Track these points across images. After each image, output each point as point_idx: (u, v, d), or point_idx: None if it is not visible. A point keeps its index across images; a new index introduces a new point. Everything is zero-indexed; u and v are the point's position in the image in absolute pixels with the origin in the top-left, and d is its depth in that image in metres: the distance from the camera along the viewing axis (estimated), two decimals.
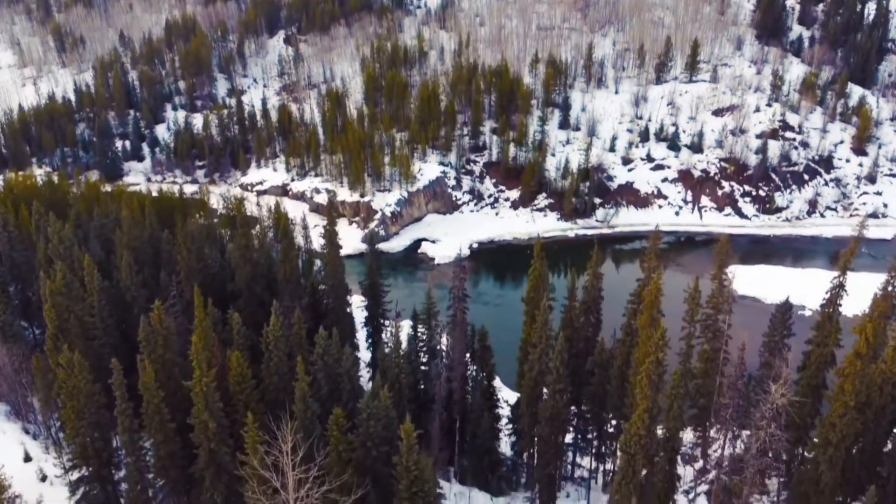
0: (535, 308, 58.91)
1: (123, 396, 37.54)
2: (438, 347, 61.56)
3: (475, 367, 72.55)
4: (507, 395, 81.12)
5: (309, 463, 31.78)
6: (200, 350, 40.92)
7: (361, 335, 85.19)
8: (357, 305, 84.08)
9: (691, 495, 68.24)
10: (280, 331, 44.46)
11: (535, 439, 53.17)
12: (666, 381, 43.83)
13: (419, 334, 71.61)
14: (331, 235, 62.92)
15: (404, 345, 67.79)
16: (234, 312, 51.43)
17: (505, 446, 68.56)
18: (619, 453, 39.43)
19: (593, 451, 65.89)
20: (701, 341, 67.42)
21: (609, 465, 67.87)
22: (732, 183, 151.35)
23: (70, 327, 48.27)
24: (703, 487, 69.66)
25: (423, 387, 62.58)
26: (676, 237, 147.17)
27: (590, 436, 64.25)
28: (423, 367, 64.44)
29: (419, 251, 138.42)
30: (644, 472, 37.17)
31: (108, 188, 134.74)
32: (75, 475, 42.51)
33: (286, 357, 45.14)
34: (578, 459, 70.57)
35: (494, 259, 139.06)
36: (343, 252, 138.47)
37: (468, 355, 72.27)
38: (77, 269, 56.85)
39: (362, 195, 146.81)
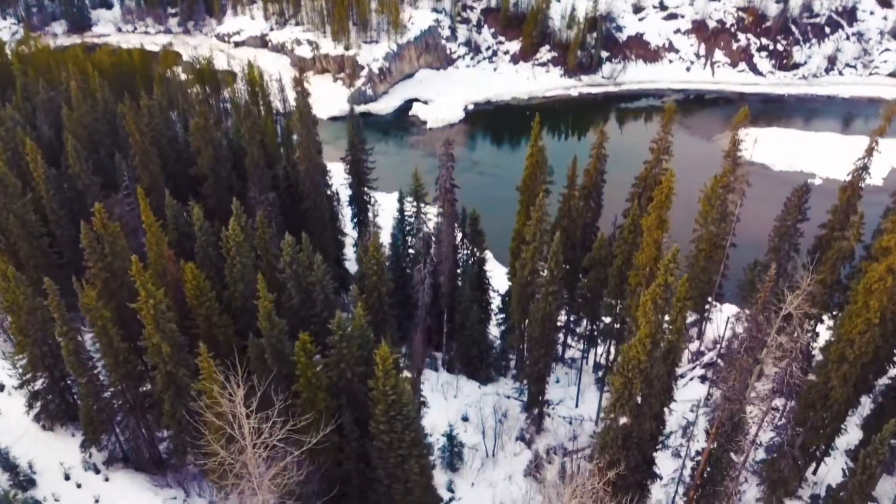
0: (531, 198, 53.68)
1: (63, 317, 33.41)
2: (424, 235, 56.80)
3: (467, 252, 68.84)
4: (500, 275, 77.98)
5: (272, 401, 28.36)
6: (155, 262, 36.36)
7: (349, 213, 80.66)
8: (343, 181, 78.45)
9: (685, 379, 67.05)
10: (241, 235, 39.49)
11: (525, 336, 50.16)
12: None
13: (406, 220, 66.94)
14: (303, 110, 55.82)
15: (387, 238, 63.49)
16: (196, 205, 46.16)
17: (495, 330, 66.25)
18: (614, 372, 36.09)
19: (586, 334, 63.54)
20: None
21: (600, 350, 65.96)
22: (749, 35, 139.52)
23: (9, 227, 43.25)
24: (699, 371, 68.34)
25: (406, 288, 58.95)
26: (686, 95, 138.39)
27: (582, 323, 61.61)
28: (409, 261, 60.31)
29: (410, 113, 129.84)
30: (640, 395, 34.01)
31: (74, 41, 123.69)
32: (32, 387, 39.58)
33: (252, 264, 40.65)
34: (570, 341, 68.63)
35: (491, 122, 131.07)
36: (327, 114, 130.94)
37: (459, 237, 68.28)
38: (22, 156, 50.77)
39: (347, 48, 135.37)
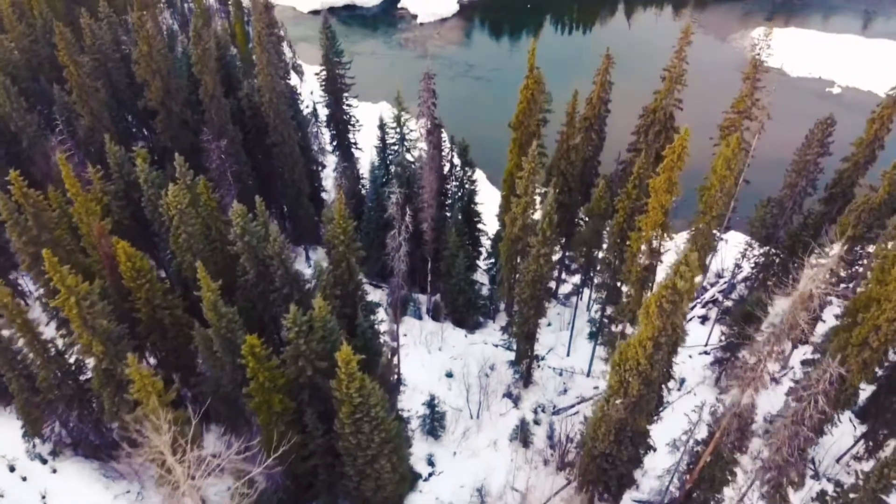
0: (526, 137, 47.70)
1: None
2: (398, 199, 51.03)
3: (455, 184, 63.31)
4: (495, 199, 72.34)
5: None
6: (87, 235, 31.20)
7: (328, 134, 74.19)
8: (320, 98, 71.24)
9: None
10: (185, 198, 34.11)
11: (514, 293, 45.94)
12: None
13: (388, 148, 60.92)
14: (261, 30, 48.15)
15: (366, 170, 57.61)
16: (140, 152, 40.43)
17: (484, 276, 62.05)
18: (609, 367, 32.20)
19: (581, 274, 59.47)
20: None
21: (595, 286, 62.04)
22: None
23: None
24: (699, 311, 64.94)
25: (388, 220, 53.73)
26: None
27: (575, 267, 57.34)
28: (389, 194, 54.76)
29: (399, 6, 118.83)
30: (637, 393, 30.28)
31: None
32: None
33: (202, 232, 35.57)
34: (564, 276, 64.53)
35: (489, 15, 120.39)
36: (308, 6, 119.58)
37: (447, 167, 62.65)
38: None
39: None
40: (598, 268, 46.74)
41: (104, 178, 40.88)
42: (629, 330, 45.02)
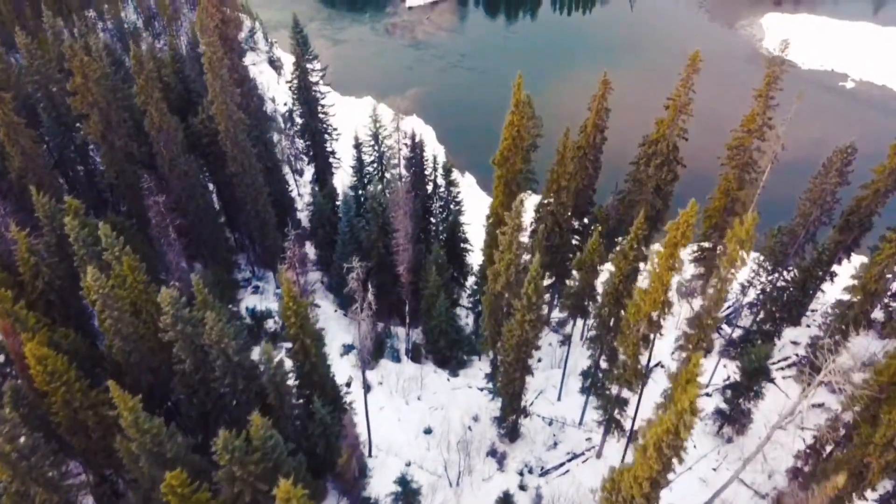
0: (511, 174, 42.54)
1: None
2: (357, 273, 46.23)
3: (440, 204, 58.35)
4: (482, 206, 67.38)
5: None
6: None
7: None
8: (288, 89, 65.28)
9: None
10: (108, 283, 29.17)
11: (499, 349, 41.39)
12: None
13: (364, 169, 55.82)
14: (213, 55, 42.13)
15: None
16: (72, 202, 35.52)
17: (468, 313, 57.17)
18: (599, 493, 27.75)
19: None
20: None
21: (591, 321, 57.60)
22: None
23: None
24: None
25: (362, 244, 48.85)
26: None
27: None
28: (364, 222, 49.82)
29: None
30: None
31: None
32: None
33: (133, 316, 30.79)
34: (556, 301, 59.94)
35: None
36: None
37: (431, 187, 57.72)
38: None
39: None
40: (592, 322, 42.16)
41: (32, 231, 36.00)
42: (625, 394, 40.72)
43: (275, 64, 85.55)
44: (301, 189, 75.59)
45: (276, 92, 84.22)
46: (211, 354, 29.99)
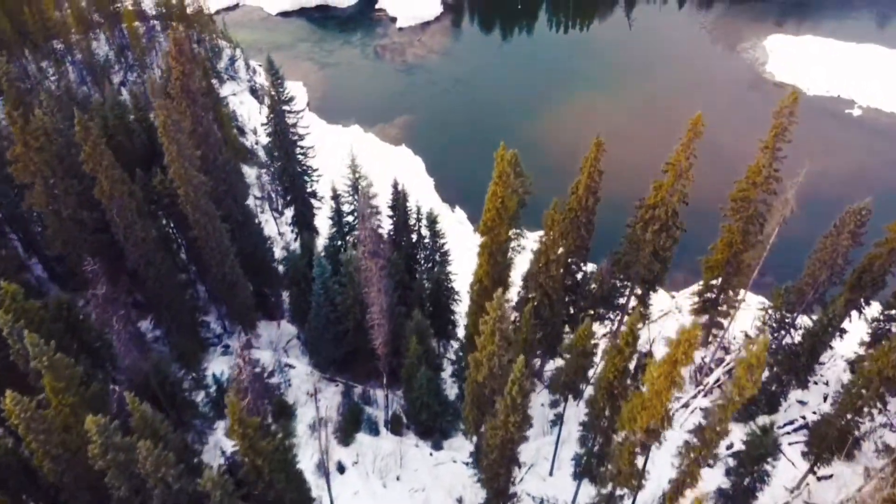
0: (496, 244, 38.96)
1: None
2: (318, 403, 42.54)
3: (424, 252, 54.83)
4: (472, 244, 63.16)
5: None
6: None
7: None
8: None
9: (685, 412, 56.32)
10: (31, 406, 25.56)
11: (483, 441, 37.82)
12: None
13: (342, 223, 52.25)
14: (167, 118, 37.85)
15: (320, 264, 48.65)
16: (10, 288, 31.92)
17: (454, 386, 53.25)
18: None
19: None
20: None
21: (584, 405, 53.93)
22: None
23: None
24: (702, 402, 57.02)
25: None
26: None
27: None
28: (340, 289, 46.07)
29: (377, 6, 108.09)
30: None
31: None
32: None
33: (61, 437, 27.15)
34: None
35: (477, 16, 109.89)
36: (277, 8, 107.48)
37: (415, 237, 54.27)
38: None
39: None
40: (584, 408, 38.62)
41: None
42: (618, 492, 37.14)
43: (257, 93, 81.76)
44: (282, 227, 72.04)
45: (259, 122, 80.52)
46: (148, 482, 26.38)
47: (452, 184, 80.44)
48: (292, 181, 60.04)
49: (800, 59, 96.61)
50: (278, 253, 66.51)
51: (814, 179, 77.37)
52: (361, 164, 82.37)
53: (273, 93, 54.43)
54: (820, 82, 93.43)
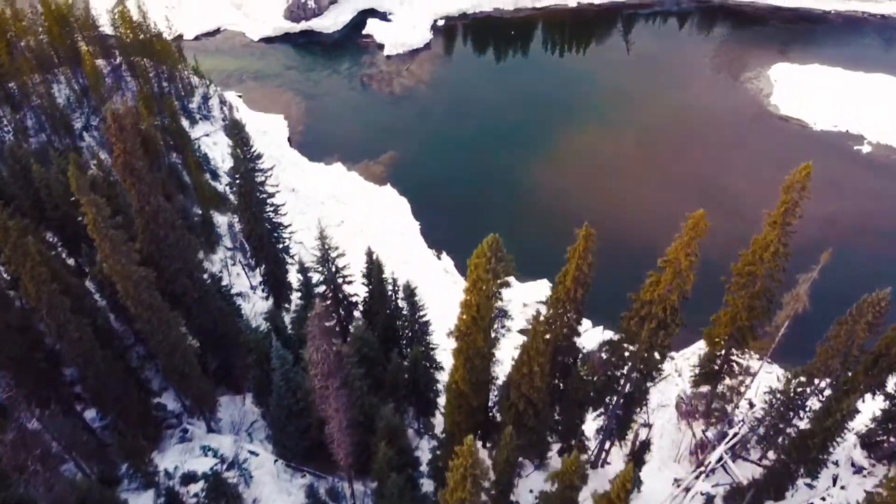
0: (472, 349, 34.53)
1: None
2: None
3: (402, 323, 50.37)
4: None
5: None
6: None
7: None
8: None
9: (684, 498, 52.19)
10: None
11: None
12: None
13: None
14: (98, 212, 33.66)
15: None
16: None
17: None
18: None
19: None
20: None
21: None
22: None
23: None
24: (703, 486, 52.81)
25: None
26: (706, 6, 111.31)
27: None
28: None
29: (364, 32, 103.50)
30: None
31: None
32: None
33: None
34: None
35: (467, 44, 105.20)
36: (258, 34, 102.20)
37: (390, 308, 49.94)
38: None
39: None
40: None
41: None
42: None
43: (234, 129, 76.91)
44: (255, 279, 67.55)
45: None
46: None
47: (439, 227, 76.13)
48: (260, 242, 55.64)
49: (806, 90, 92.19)
50: (247, 309, 62.39)
51: (822, 226, 73.70)
52: (344, 202, 79.35)
53: (238, 152, 50.09)
54: (827, 116, 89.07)
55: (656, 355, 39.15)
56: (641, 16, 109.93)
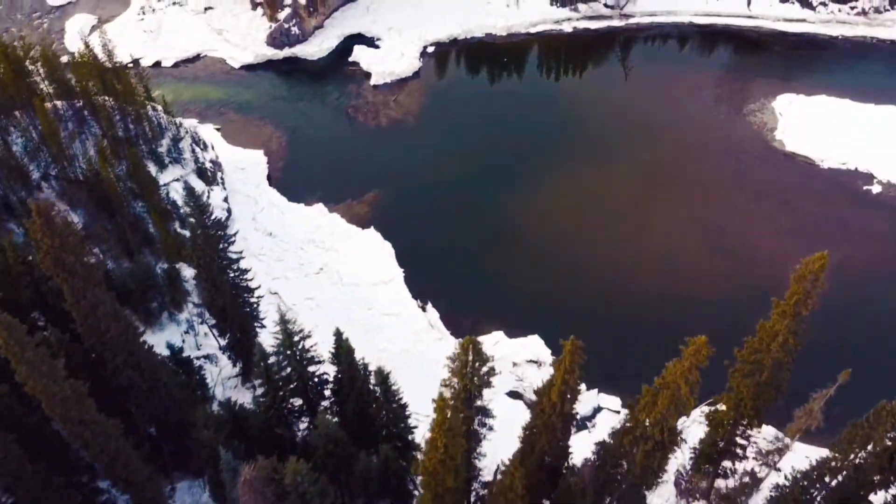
0: (440, 489, 30.21)
1: None
2: None
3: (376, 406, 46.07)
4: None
5: None
6: None
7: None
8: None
9: None
10: None
11: None
12: None
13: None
14: None
15: None
16: None
17: None
18: None
19: None
20: None
21: None
22: None
23: None
24: None
25: None
26: (708, 31, 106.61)
27: None
28: None
29: (350, 58, 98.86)
30: None
31: None
32: None
33: None
34: None
35: (458, 71, 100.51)
36: (240, 61, 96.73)
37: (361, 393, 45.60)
38: None
39: None
40: None
41: None
42: None
43: (206, 174, 72.66)
44: (223, 340, 62.95)
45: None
46: None
47: (425, 275, 71.82)
48: (223, 312, 51.37)
49: (812, 124, 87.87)
50: (213, 374, 58.17)
51: (829, 275, 69.39)
52: (324, 247, 74.70)
53: (194, 222, 45.79)
54: (834, 152, 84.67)
55: (652, 474, 34.94)
56: (640, 39, 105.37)
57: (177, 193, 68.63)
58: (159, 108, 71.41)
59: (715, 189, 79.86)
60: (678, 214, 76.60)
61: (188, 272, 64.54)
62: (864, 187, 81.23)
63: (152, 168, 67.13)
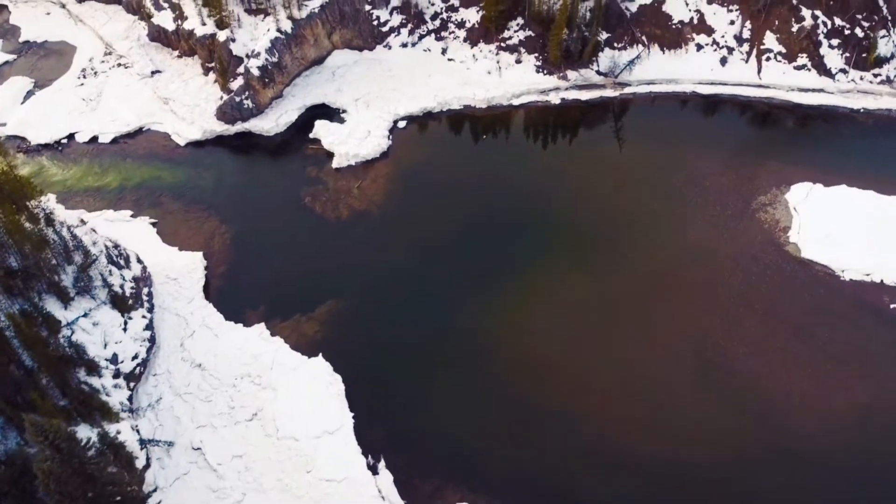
0: None
1: None
2: None
3: None
4: None
5: None
6: None
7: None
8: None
9: None
10: None
11: None
12: None
13: None
14: None
15: None
16: None
17: None
18: None
19: None
20: None
21: None
22: (817, 12, 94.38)
23: None
24: None
25: None
26: (713, 101, 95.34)
27: None
28: None
29: (311, 135, 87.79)
30: None
31: None
32: None
33: None
34: None
35: (431, 151, 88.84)
36: (186, 137, 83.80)
37: None
38: None
39: (219, 24, 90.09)
40: None
41: None
42: None
43: (125, 300, 61.55)
44: None
45: (123, 345, 60.95)
46: None
47: (380, 420, 61.60)
48: None
49: (831, 224, 77.00)
50: None
51: (854, 422, 59.12)
52: (262, 383, 63.07)
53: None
54: (857, 260, 73.85)
55: None
56: (636, 112, 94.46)
57: (84, 332, 58.01)
58: (65, 226, 60.38)
59: (718, 306, 69.18)
60: (674, 339, 66.51)
61: (110, 427, 53.74)
62: (890, 305, 70.45)
63: (54, 305, 56.51)
